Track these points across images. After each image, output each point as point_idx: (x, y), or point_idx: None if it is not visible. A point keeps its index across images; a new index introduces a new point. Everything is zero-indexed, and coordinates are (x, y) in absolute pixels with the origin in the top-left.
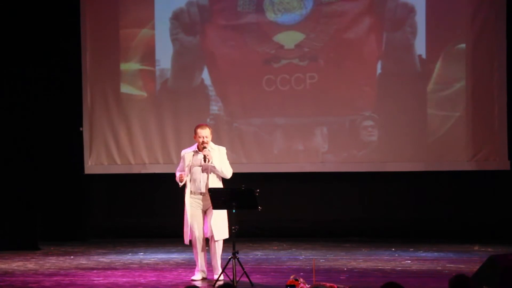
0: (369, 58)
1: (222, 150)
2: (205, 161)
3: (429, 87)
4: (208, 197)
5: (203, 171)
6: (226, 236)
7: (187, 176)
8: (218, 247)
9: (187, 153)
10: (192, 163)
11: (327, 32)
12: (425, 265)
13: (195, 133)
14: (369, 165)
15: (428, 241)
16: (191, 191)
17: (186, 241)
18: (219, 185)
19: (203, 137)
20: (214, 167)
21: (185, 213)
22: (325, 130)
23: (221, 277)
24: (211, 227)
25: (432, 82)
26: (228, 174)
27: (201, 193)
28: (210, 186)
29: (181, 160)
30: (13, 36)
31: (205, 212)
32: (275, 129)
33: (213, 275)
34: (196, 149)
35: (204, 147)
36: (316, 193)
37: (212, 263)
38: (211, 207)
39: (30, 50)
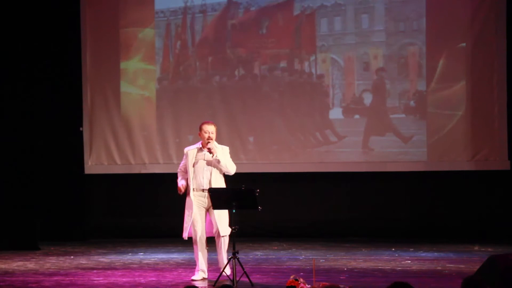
0: (369, 58)
1: (225, 149)
2: (210, 152)
3: (429, 87)
4: None
5: (207, 164)
6: (227, 233)
7: (189, 173)
8: (224, 243)
9: (191, 150)
10: (196, 159)
11: (331, 32)
12: (425, 265)
13: (201, 129)
14: (369, 165)
15: (428, 241)
16: (193, 189)
17: (185, 236)
18: (222, 182)
19: (209, 133)
20: (218, 161)
21: (185, 209)
22: (325, 130)
23: (227, 276)
24: (216, 224)
25: (432, 82)
26: (232, 170)
27: (203, 190)
28: (213, 182)
29: (184, 158)
30: (12, 36)
31: (207, 210)
32: (274, 128)
33: (213, 275)
34: (200, 146)
35: (209, 142)
36: (316, 193)
37: (219, 260)
38: None
39: (30, 50)
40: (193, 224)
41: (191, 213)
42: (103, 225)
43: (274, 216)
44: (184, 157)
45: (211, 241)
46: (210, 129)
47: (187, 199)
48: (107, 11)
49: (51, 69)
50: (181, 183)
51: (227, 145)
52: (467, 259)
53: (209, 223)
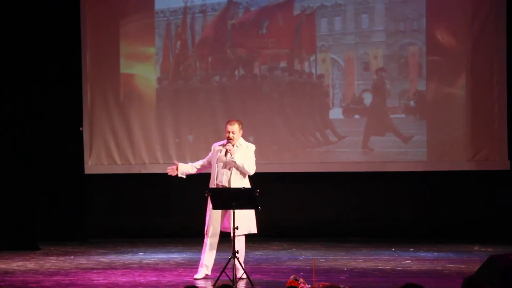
0: (369, 58)
1: (250, 147)
2: (225, 155)
3: (429, 87)
4: None
5: (223, 166)
6: (251, 231)
7: (213, 170)
8: (239, 244)
9: (217, 146)
10: (218, 156)
11: (331, 32)
12: (425, 265)
13: (225, 128)
14: (369, 165)
15: (428, 241)
16: (216, 184)
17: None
18: (244, 181)
19: (230, 132)
20: (234, 162)
21: (208, 205)
22: (325, 130)
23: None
24: (232, 222)
25: (432, 82)
26: (250, 170)
27: (222, 186)
28: (233, 181)
29: (211, 152)
30: (13, 36)
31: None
32: (274, 128)
33: (213, 275)
34: (225, 143)
35: (229, 142)
36: (316, 193)
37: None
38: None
39: (30, 50)
40: (210, 220)
41: (209, 210)
42: (103, 225)
43: (274, 216)
44: (210, 153)
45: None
46: (230, 129)
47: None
48: (107, 11)
49: (51, 69)
50: (181, 163)
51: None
52: (467, 259)
53: (228, 219)
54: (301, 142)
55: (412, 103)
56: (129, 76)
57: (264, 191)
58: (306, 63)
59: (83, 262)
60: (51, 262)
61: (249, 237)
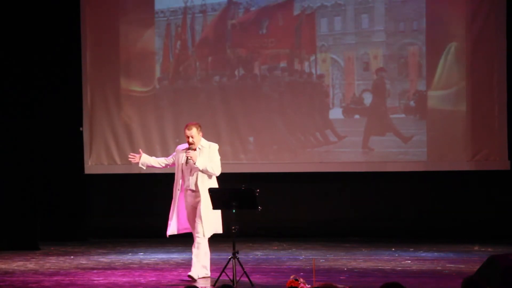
0: (369, 58)
1: (213, 147)
2: (186, 162)
3: (429, 87)
4: (198, 194)
5: (190, 170)
6: (217, 231)
7: (178, 173)
8: (203, 245)
9: (180, 150)
10: (182, 160)
11: (331, 32)
12: (425, 265)
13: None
14: (369, 165)
15: (428, 241)
16: (185, 189)
17: (167, 234)
18: (211, 182)
19: (188, 137)
20: (197, 167)
21: (171, 206)
22: (325, 130)
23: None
24: (197, 222)
25: (432, 82)
26: (216, 171)
27: (190, 190)
28: (200, 184)
29: (174, 154)
30: (13, 36)
31: (195, 209)
32: (274, 128)
33: (215, 273)
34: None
35: (189, 148)
36: (316, 193)
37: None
38: (200, 205)
39: (30, 50)
40: (189, 223)
41: (174, 210)
42: (103, 225)
43: (274, 216)
44: (175, 153)
45: (214, 242)
46: (188, 133)
47: (174, 196)
48: (107, 11)
49: (51, 69)
50: (145, 154)
51: (227, 145)
52: (467, 259)
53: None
54: (301, 142)
55: (412, 103)
56: (129, 75)
57: (264, 191)
58: (306, 63)
59: (83, 262)
60: (51, 262)
61: (249, 237)
